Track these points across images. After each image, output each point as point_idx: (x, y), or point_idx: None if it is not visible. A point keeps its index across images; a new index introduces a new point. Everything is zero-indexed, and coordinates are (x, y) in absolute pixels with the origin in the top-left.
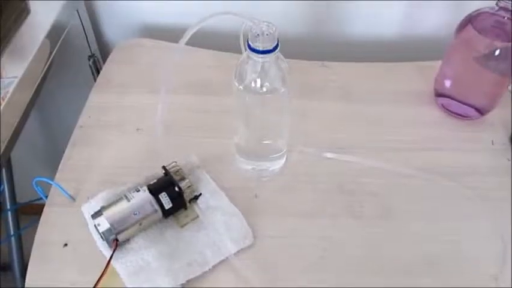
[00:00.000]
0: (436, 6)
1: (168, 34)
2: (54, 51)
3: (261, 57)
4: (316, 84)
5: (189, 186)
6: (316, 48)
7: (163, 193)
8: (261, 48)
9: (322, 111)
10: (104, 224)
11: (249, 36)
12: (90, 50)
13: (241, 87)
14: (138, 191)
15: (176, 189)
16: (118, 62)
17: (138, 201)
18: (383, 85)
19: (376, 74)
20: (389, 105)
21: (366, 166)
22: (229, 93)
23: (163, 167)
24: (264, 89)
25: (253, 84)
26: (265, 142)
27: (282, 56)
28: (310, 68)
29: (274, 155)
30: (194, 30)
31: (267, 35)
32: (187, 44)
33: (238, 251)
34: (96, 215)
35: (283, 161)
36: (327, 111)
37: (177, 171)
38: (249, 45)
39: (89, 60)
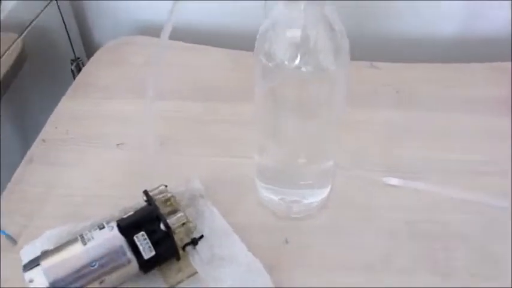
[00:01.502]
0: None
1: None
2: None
3: (303, 9)
4: (366, 89)
5: (183, 224)
6: (360, 47)
7: (142, 233)
8: None
9: (375, 122)
10: (39, 280)
11: None
12: (74, 53)
13: (270, 64)
14: (102, 228)
15: (162, 227)
16: (102, 63)
17: (99, 244)
18: (449, 90)
19: (440, 76)
20: (460, 114)
21: (443, 197)
22: (246, 99)
23: (145, 192)
24: (306, 70)
25: (287, 61)
26: (301, 161)
27: (337, 19)
28: (356, 69)
29: (315, 182)
30: (173, 20)
31: None
32: (193, 42)
33: None
34: (31, 265)
35: (327, 190)
36: (382, 123)
37: (167, 199)
38: None
39: (72, 64)
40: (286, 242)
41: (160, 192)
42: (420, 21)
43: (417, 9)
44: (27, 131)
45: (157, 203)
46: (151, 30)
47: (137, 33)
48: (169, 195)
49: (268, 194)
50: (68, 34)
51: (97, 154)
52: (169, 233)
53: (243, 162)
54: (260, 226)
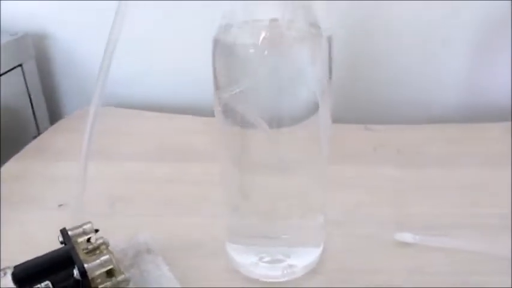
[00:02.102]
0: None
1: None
2: None
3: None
4: (362, 148)
5: (110, 274)
6: (354, 110)
7: (46, 283)
8: None
9: (376, 179)
10: None
11: None
12: (38, 129)
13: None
14: None
15: (76, 273)
16: (61, 131)
17: None
18: (459, 147)
19: (445, 136)
20: (474, 169)
21: (479, 256)
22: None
23: (62, 231)
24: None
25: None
26: (281, 214)
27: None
28: (349, 132)
29: (300, 238)
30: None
31: None
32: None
33: None
34: None
35: (317, 251)
36: (383, 180)
37: (95, 248)
38: None
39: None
40: None
41: (85, 233)
42: (418, 90)
43: (415, 78)
44: None
45: (77, 247)
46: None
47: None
48: (99, 242)
49: (243, 256)
50: (34, 111)
51: (35, 214)
52: (84, 282)
53: (212, 222)
54: None
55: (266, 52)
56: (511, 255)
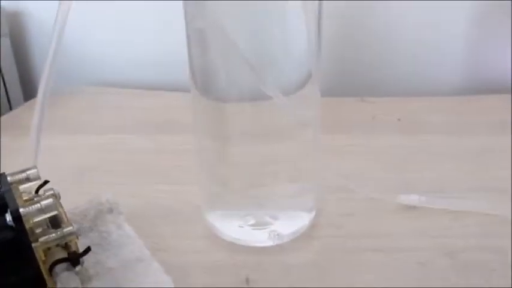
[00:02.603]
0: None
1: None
2: None
3: None
4: (358, 120)
5: (53, 220)
6: (348, 83)
7: None
8: None
9: (376, 147)
10: None
11: None
12: (10, 106)
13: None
14: None
15: (9, 219)
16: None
17: None
18: (462, 117)
19: (443, 106)
20: (471, 136)
21: (490, 217)
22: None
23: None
24: None
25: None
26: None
27: None
28: (344, 105)
29: (288, 201)
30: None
31: None
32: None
33: None
34: None
35: (308, 216)
36: (383, 147)
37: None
38: None
39: None
40: (247, 281)
41: (26, 179)
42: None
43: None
44: None
45: (13, 191)
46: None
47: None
48: (50, 193)
49: (225, 221)
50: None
51: None
52: (18, 228)
53: (189, 190)
54: (212, 263)
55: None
56: None
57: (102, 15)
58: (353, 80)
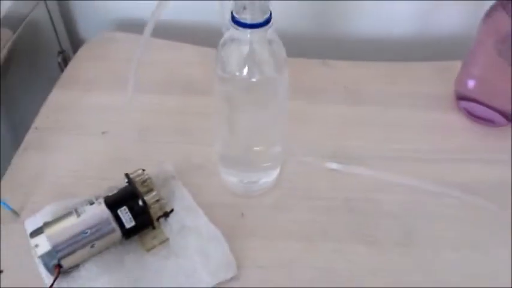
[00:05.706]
0: (455, 4)
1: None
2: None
3: (249, 33)
4: (317, 84)
5: (157, 200)
6: (315, 45)
7: (124, 207)
8: (249, 21)
9: (324, 115)
10: (43, 245)
11: (234, 7)
12: (60, 45)
13: (224, 75)
14: (92, 203)
15: (140, 203)
16: (86, 58)
17: (90, 216)
18: (396, 87)
19: (388, 74)
20: (404, 109)
21: (379, 180)
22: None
23: (126, 175)
24: (254, 79)
25: (238, 73)
26: (255, 149)
27: (277, 38)
28: (308, 66)
29: (266, 165)
30: (155, 17)
31: (257, 6)
32: (169, 39)
33: (217, 285)
34: (36, 233)
35: (277, 172)
36: (330, 115)
37: (144, 181)
38: (233, 18)
39: (58, 56)
40: (243, 215)
41: (139, 175)
42: (372, 22)
43: (369, 12)
44: (15, 119)
45: (136, 184)
46: (130, 27)
47: (117, 30)
48: (146, 177)
49: (229, 177)
50: (55, 29)
51: (83, 141)
52: (145, 207)
53: (210, 150)
54: (221, 203)
55: None
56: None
57: None
58: (317, 42)
